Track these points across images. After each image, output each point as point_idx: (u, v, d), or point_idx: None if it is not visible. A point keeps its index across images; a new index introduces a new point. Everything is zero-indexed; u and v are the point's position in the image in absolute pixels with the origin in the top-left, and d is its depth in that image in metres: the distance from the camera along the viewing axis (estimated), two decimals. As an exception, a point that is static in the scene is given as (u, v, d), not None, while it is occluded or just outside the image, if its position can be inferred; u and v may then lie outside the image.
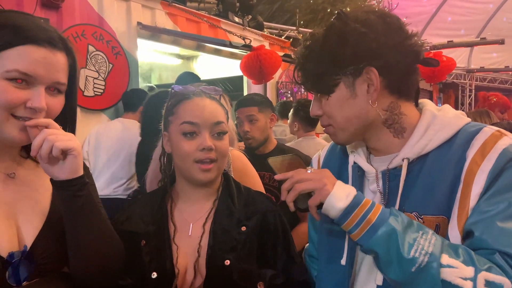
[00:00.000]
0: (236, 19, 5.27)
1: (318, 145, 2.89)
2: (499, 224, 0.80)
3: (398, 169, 0.95)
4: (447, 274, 0.77)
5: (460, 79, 11.08)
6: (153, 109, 1.85)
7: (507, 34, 7.51)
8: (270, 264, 1.16)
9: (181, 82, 2.62)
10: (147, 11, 4.02)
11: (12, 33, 0.85)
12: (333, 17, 0.96)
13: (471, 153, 0.86)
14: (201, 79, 3.22)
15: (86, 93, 3.39)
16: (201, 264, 1.09)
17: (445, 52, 6.17)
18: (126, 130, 3.32)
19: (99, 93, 3.50)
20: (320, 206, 0.88)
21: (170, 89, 1.21)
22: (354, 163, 1.04)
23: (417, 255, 0.79)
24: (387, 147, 0.98)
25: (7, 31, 0.86)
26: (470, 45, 8.59)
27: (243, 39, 4.98)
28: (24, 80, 0.86)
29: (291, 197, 0.90)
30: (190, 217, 1.17)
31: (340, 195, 0.86)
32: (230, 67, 5.64)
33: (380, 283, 0.93)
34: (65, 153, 0.88)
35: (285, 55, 5.40)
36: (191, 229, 1.15)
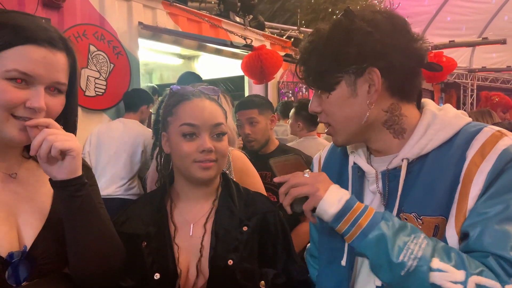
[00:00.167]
0: (237, 19, 5.27)
1: (319, 145, 2.88)
2: (495, 227, 0.79)
3: (397, 169, 0.94)
4: (436, 278, 0.77)
5: (462, 79, 11.07)
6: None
7: (509, 34, 7.47)
8: (270, 264, 1.16)
9: (182, 82, 2.62)
10: (148, 11, 4.02)
11: (12, 33, 0.85)
12: (341, 14, 0.95)
13: (470, 153, 0.86)
14: (203, 79, 3.21)
15: (87, 93, 3.39)
16: (204, 264, 1.09)
17: (447, 52, 6.16)
18: (128, 130, 3.32)
19: (100, 93, 3.50)
20: (314, 210, 0.89)
21: (168, 89, 1.21)
22: (354, 163, 1.04)
23: (406, 259, 0.79)
24: (387, 148, 0.98)
25: (7, 31, 0.85)
26: (472, 45, 8.57)
27: (244, 39, 4.98)
28: (23, 80, 0.85)
29: (287, 201, 0.91)
30: (190, 217, 1.17)
31: (331, 200, 0.87)
32: (231, 67, 5.62)
33: (379, 284, 0.93)
34: (63, 153, 0.88)
35: (286, 55, 5.40)
36: (192, 229, 1.15)
